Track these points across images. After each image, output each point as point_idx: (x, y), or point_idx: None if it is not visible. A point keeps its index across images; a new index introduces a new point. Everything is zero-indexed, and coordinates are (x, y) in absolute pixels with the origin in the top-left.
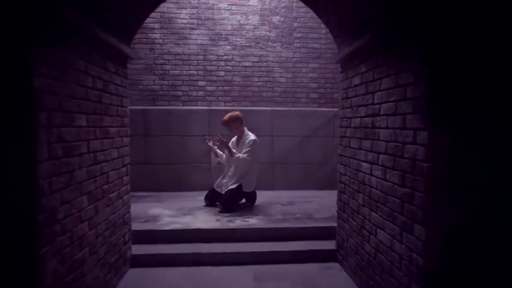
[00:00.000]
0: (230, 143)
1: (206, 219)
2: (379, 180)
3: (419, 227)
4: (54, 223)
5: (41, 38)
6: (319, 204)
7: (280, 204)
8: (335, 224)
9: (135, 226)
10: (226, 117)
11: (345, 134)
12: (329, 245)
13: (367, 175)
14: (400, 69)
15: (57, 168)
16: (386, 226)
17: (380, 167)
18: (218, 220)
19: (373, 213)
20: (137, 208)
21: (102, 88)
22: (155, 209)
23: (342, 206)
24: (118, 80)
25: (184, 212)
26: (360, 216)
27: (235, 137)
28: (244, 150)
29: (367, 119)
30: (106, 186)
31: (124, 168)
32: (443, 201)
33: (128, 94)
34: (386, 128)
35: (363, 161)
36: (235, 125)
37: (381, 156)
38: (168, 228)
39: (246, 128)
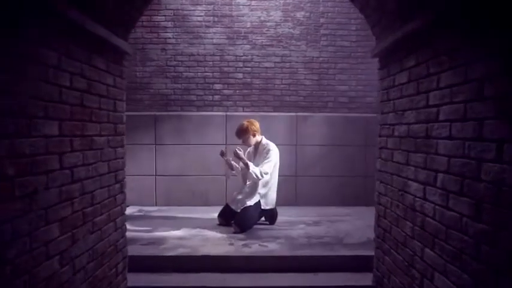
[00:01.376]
0: (246, 154)
1: (218, 242)
2: (437, 207)
3: (509, 282)
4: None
5: None
6: (350, 225)
7: (305, 224)
8: (371, 253)
9: (135, 250)
10: (237, 127)
11: (385, 145)
12: (364, 279)
13: (418, 199)
14: (472, 57)
15: (5, 192)
16: (450, 272)
17: (439, 191)
18: (232, 244)
19: (427, 250)
20: (142, 226)
21: (85, 88)
22: (162, 228)
23: (381, 233)
24: (110, 80)
25: (194, 233)
26: (408, 250)
27: (252, 146)
28: (262, 163)
29: (417, 126)
30: (90, 209)
31: (117, 185)
32: None
33: (123, 97)
34: (449, 138)
35: (411, 180)
36: (248, 134)
37: (440, 175)
38: (171, 253)
39: (263, 137)
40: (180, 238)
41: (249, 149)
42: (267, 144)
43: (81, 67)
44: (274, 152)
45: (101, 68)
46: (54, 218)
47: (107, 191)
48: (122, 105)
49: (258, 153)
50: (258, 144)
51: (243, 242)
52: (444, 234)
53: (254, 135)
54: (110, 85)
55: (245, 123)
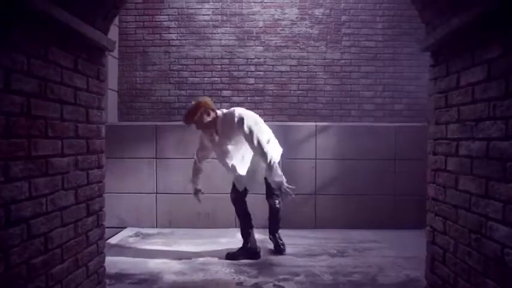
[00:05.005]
0: (201, 143)
1: (224, 280)
2: None
3: None
4: None
5: None
6: (381, 256)
7: (328, 255)
8: None
9: None
10: (185, 114)
11: (443, 166)
12: None
13: (511, 251)
14: None
15: None
16: None
17: None
18: (240, 283)
19: None
20: (136, 255)
21: (34, 91)
22: (158, 260)
23: (439, 285)
24: (80, 81)
25: (196, 266)
26: None
27: (209, 131)
28: (247, 142)
29: (507, 143)
30: (41, 258)
31: (90, 218)
32: None
33: (101, 104)
34: None
35: (496, 221)
36: (198, 112)
37: None
38: None
39: (219, 111)
40: (178, 273)
41: (202, 137)
42: (230, 114)
43: (28, 62)
44: (249, 117)
45: (65, 66)
46: None
47: (72, 229)
48: (98, 115)
49: (223, 133)
50: (215, 122)
51: (255, 281)
52: None
53: (208, 114)
54: (80, 88)
55: (194, 102)
